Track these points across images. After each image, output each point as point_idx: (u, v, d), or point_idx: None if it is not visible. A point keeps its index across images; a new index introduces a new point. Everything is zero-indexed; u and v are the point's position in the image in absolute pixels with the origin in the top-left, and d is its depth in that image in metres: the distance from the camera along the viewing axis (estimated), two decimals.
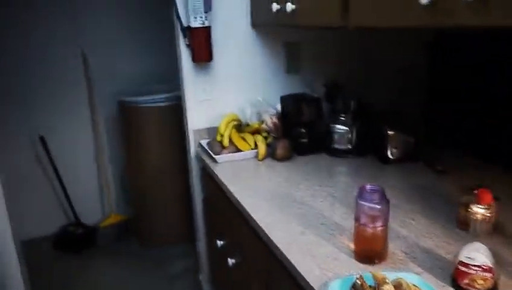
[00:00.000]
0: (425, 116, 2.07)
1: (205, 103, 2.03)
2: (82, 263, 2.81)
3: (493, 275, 0.94)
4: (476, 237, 0.94)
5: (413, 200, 1.43)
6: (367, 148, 1.85)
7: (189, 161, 2.16)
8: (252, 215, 1.40)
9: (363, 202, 1.07)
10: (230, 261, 1.73)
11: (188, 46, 1.92)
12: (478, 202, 0.91)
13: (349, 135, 1.84)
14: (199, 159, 2.06)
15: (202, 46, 1.88)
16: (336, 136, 1.86)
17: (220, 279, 2.13)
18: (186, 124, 2.08)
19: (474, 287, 0.96)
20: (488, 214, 0.90)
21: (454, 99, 1.94)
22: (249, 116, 2.01)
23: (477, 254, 0.94)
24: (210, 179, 1.94)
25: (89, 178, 3.18)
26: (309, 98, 1.93)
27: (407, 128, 1.74)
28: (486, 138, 1.75)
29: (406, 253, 1.14)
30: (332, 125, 1.87)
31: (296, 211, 1.40)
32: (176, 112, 2.36)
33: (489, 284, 0.95)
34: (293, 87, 2.08)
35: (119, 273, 2.71)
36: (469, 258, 0.94)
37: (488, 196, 0.89)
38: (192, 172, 2.16)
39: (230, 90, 2.04)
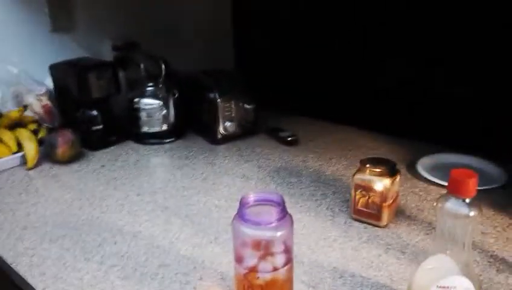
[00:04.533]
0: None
1: None
2: None
3: None
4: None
5: (284, 192, 1.01)
6: (188, 127, 1.36)
7: None
8: (25, 275, 0.75)
9: (248, 229, 0.57)
10: None
11: None
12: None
13: (164, 111, 1.30)
14: None
15: None
16: (144, 116, 1.30)
17: None
18: None
19: None
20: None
21: (264, 56, 1.59)
22: (1, 101, 1.26)
23: (454, 279, 0.55)
24: None
25: None
26: (97, 64, 1.29)
27: (241, 93, 1.30)
28: (311, 94, 1.47)
29: (308, 285, 0.71)
30: (137, 100, 1.30)
31: (108, 250, 0.82)
32: None
33: None
34: (67, 52, 1.38)
35: None
36: (445, 288, 0.55)
37: None
38: None
39: None
